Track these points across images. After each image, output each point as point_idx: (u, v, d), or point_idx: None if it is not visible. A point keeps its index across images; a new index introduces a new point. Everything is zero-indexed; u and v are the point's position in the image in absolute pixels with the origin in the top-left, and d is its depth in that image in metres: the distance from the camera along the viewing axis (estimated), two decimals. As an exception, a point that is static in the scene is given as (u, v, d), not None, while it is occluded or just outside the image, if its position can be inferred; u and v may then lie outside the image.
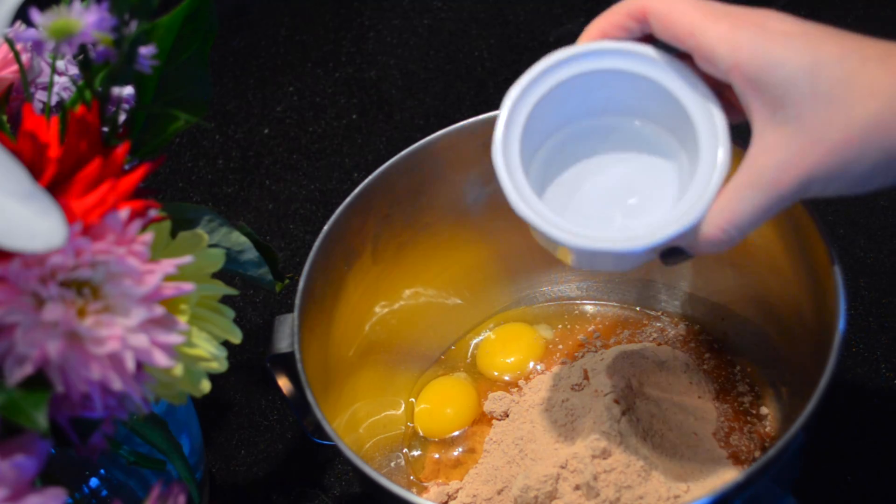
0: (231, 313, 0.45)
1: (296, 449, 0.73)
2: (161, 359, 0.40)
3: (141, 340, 0.39)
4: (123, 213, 0.40)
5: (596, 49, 0.50)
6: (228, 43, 1.04)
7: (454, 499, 0.63)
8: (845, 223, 0.76)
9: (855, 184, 0.45)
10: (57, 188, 0.41)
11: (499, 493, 0.61)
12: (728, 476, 0.59)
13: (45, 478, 0.43)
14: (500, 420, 0.66)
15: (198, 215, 0.49)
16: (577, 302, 0.73)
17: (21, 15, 0.43)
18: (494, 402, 0.67)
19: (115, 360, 0.39)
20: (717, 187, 0.47)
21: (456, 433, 0.67)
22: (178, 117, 0.48)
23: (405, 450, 0.67)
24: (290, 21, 1.06)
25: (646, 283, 0.71)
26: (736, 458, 0.61)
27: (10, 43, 0.47)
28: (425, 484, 0.65)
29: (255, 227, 0.87)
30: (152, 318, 0.40)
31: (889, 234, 0.75)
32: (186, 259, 0.42)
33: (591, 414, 0.60)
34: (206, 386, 0.44)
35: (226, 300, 0.45)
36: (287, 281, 0.56)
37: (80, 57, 0.44)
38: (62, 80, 0.51)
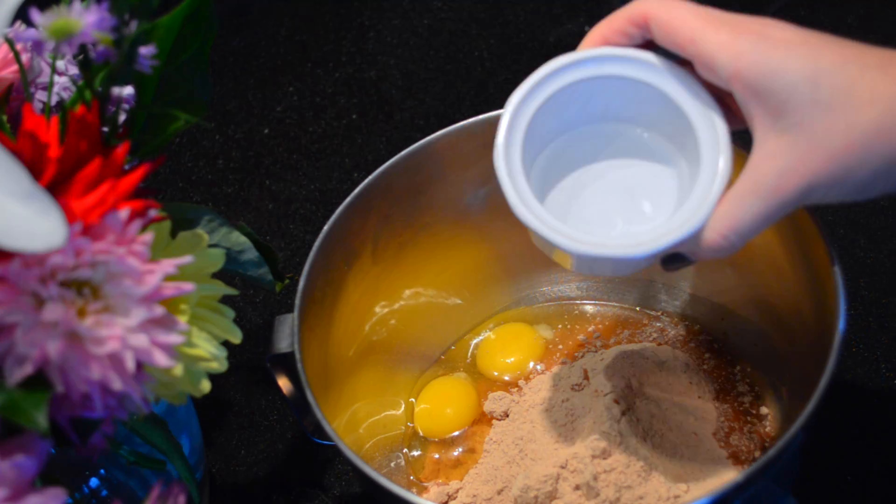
0: (231, 313, 0.45)
1: (296, 449, 0.73)
2: (161, 359, 0.40)
3: (141, 340, 0.39)
4: (123, 213, 0.40)
5: (597, 55, 0.50)
6: (228, 43, 1.04)
7: (454, 499, 0.63)
8: (845, 223, 0.76)
9: (856, 190, 0.45)
10: (57, 188, 0.41)
11: (499, 493, 0.61)
12: (728, 476, 0.59)
13: (45, 478, 0.43)
14: (500, 420, 0.66)
15: (198, 215, 0.49)
16: (577, 302, 0.73)
17: (21, 15, 0.43)
18: (494, 402, 0.67)
19: (115, 360, 0.39)
20: (719, 194, 0.47)
21: (456, 433, 0.67)
22: (178, 117, 0.48)
23: (405, 450, 0.67)
24: (290, 21, 1.06)
25: (646, 283, 0.71)
26: (736, 458, 0.61)
27: (10, 43, 0.47)
28: (425, 484, 0.65)
29: (255, 227, 0.87)
30: (152, 318, 0.40)
31: (889, 234, 0.75)
32: (186, 259, 0.42)
33: (591, 414, 0.60)
34: (206, 386, 0.44)
35: (226, 300, 0.45)
36: (287, 281, 0.56)
37: (80, 57, 0.44)
38: (62, 80, 0.51)
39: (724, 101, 0.49)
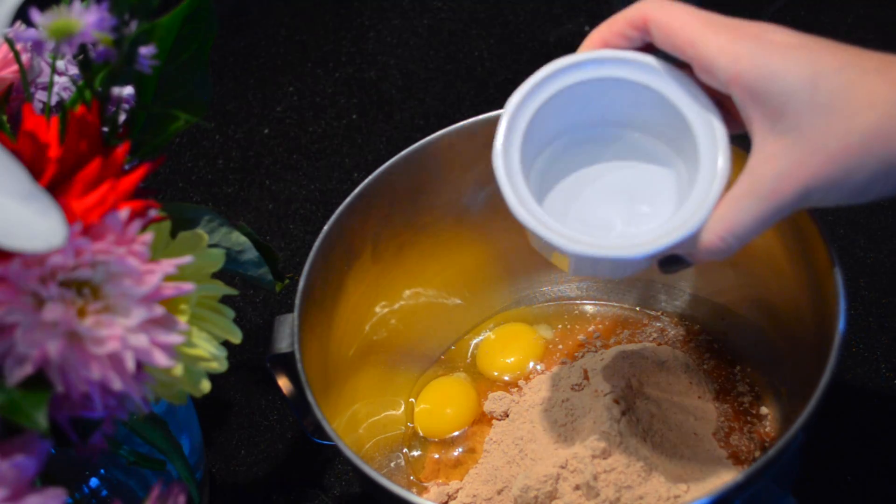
0: (231, 313, 0.45)
1: (296, 449, 0.73)
2: (161, 359, 0.40)
3: (141, 340, 0.39)
4: (123, 213, 0.40)
5: (597, 57, 0.50)
6: (228, 43, 1.04)
7: (454, 499, 0.63)
8: (845, 223, 0.76)
9: (854, 193, 0.45)
10: (57, 188, 0.41)
11: (499, 493, 0.61)
12: (728, 476, 0.59)
13: (45, 478, 0.43)
14: (500, 420, 0.66)
15: (198, 215, 0.49)
16: (577, 302, 0.73)
17: (21, 15, 0.43)
18: (494, 402, 0.67)
19: (115, 360, 0.39)
20: (717, 196, 0.47)
21: (456, 433, 0.67)
22: (178, 117, 0.48)
23: (405, 450, 0.67)
24: (290, 21, 1.06)
25: (646, 283, 0.71)
26: (736, 458, 0.61)
27: (10, 43, 0.47)
28: (425, 484, 0.65)
29: (255, 227, 0.87)
30: (152, 318, 0.40)
31: (889, 234, 0.75)
32: (186, 259, 0.42)
33: (591, 414, 0.60)
34: (206, 386, 0.44)
35: (226, 300, 0.45)
36: (287, 281, 0.56)
37: (80, 57, 0.44)
38: (62, 80, 0.51)
39: (723, 104, 0.49)
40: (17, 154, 0.40)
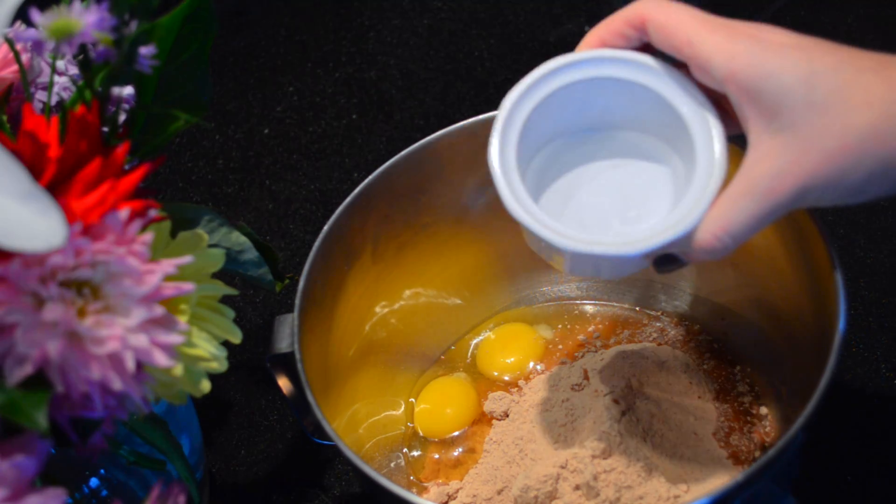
0: (231, 313, 0.45)
1: (296, 449, 0.73)
2: (161, 359, 0.40)
3: (141, 340, 0.39)
4: (123, 213, 0.40)
5: (594, 57, 0.50)
6: (228, 43, 1.04)
7: (454, 499, 0.63)
8: (845, 223, 0.76)
9: (850, 193, 0.45)
10: (57, 188, 0.41)
11: (499, 493, 0.61)
12: (728, 476, 0.59)
13: (45, 478, 0.43)
14: (500, 420, 0.66)
15: (198, 215, 0.49)
16: (577, 302, 0.73)
17: (21, 15, 0.43)
18: (494, 402, 0.67)
19: (115, 360, 0.39)
20: (713, 195, 0.47)
21: (456, 433, 0.67)
22: (178, 117, 0.48)
23: (405, 450, 0.67)
24: (290, 21, 1.06)
25: (646, 283, 0.71)
26: (736, 458, 0.61)
27: (10, 43, 0.47)
28: (425, 484, 0.65)
29: (255, 227, 0.87)
30: (152, 318, 0.40)
31: (889, 234, 0.75)
32: (186, 259, 0.42)
33: (591, 414, 0.60)
34: (206, 386, 0.44)
35: (226, 300, 0.45)
36: (287, 281, 0.56)
37: (80, 57, 0.44)
38: (62, 80, 0.51)
39: (720, 104, 0.49)
40: (17, 154, 0.40)
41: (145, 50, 0.43)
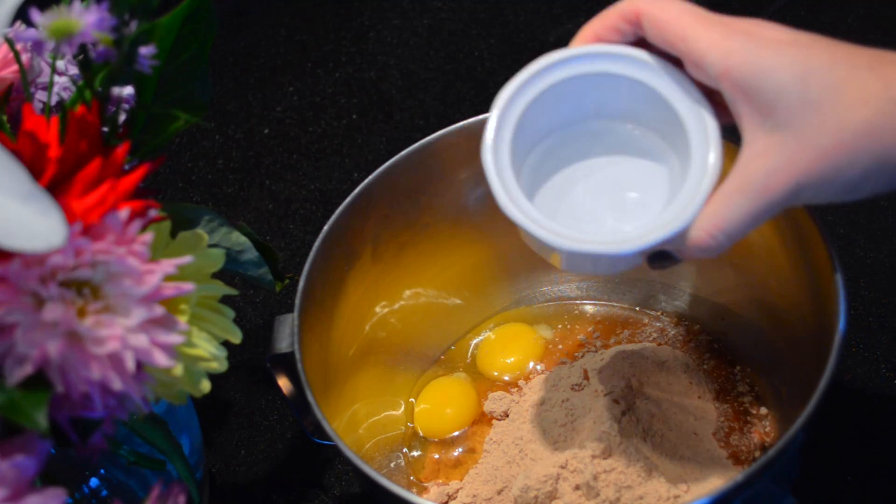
0: (231, 313, 0.45)
1: (296, 449, 0.73)
2: (161, 359, 0.40)
3: (141, 340, 0.39)
4: (123, 213, 0.40)
5: (589, 52, 0.50)
6: (228, 43, 1.04)
7: (454, 499, 0.63)
8: (845, 223, 0.76)
9: (846, 190, 0.45)
10: (57, 188, 0.41)
11: (499, 493, 0.61)
12: (728, 476, 0.59)
13: (45, 478, 0.43)
14: (500, 420, 0.66)
15: (198, 215, 0.49)
16: (577, 302, 0.73)
17: (21, 15, 0.43)
18: (494, 402, 0.67)
19: (115, 360, 0.39)
20: (707, 192, 0.47)
21: (456, 433, 0.67)
22: (178, 117, 0.48)
23: (405, 450, 0.67)
24: (290, 21, 1.06)
25: (646, 283, 0.71)
26: (736, 458, 0.61)
27: (10, 43, 0.47)
28: (425, 484, 0.65)
29: (255, 227, 0.87)
30: (152, 318, 0.40)
31: (889, 234, 0.75)
32: (186, 259, 0.42)
33: (591, 414, 0.60)
34: (206, 386, 0.44)
35: (226, 300, 0.45)
36: (287, 281, 0.56)
37: (80, 57, 0.44)
38: (62, 80, 0.51)
39: (714, 99, 0.49)
40: (17, 154, 0.40)
41: (145, 50, 0.43)
